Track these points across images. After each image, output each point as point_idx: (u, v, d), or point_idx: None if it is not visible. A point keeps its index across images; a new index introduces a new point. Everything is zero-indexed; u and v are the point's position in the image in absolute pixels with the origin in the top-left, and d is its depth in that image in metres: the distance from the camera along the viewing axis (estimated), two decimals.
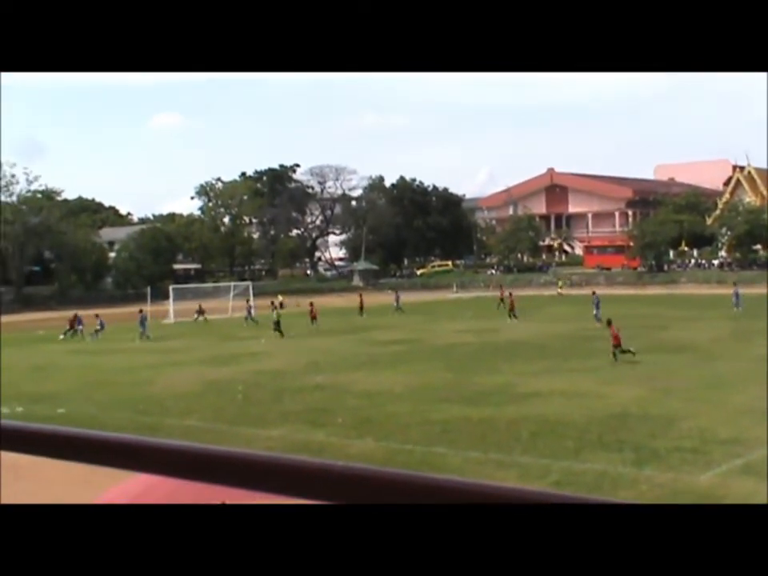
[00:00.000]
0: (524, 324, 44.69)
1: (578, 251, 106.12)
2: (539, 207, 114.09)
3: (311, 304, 51.72)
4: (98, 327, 47.53)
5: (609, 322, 30.97)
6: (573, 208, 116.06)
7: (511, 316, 48.21)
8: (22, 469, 15.14)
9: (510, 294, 51.99)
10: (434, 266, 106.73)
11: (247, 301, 57.84)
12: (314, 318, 49.46)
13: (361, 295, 59.89)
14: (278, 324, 44.79)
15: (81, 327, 48.25)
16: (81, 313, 50.43)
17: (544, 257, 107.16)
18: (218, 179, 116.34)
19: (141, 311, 47.27)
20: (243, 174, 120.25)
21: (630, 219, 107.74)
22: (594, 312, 44.57)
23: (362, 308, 57.21)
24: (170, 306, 61.36)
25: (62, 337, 46.78)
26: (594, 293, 47.86)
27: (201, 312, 58.18)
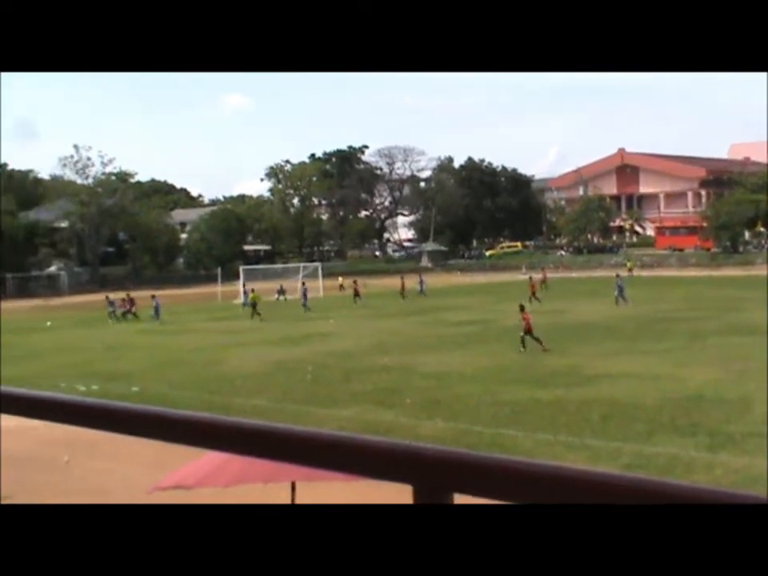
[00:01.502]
0: (593, 305, 44.25)
1: (650, 232, 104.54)
2: (610, 188, 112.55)
3: (354, 282, 54.92)
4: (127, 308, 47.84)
5: (522, 308, 30.28)
6: (644, 188, 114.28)
7: (532, 300, 47.15)
8: (98, 446, 15.43)
9: (531, 278, 51.46)
10: (502, 247, 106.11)
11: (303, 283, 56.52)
12: (357, 295, 52.88)
13: (402, 277, 59.26)
14: (254, 306, 45.81)
15: (112, 309, 49.15)
16: (145, 294, 51.07)
17: (614, 238, 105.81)
18: (287, 161, 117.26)
19: (153, 296, 47.44)
20: (312, 155, 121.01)
21: (704, 200, 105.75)
22: (616, 294, 44.19)
23: (403, 291, 56.50)
24: (241, 286, 62.08)
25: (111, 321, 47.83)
26: (617, 275, 47.19)
27: (282, 292, 58.72)
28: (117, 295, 52.00)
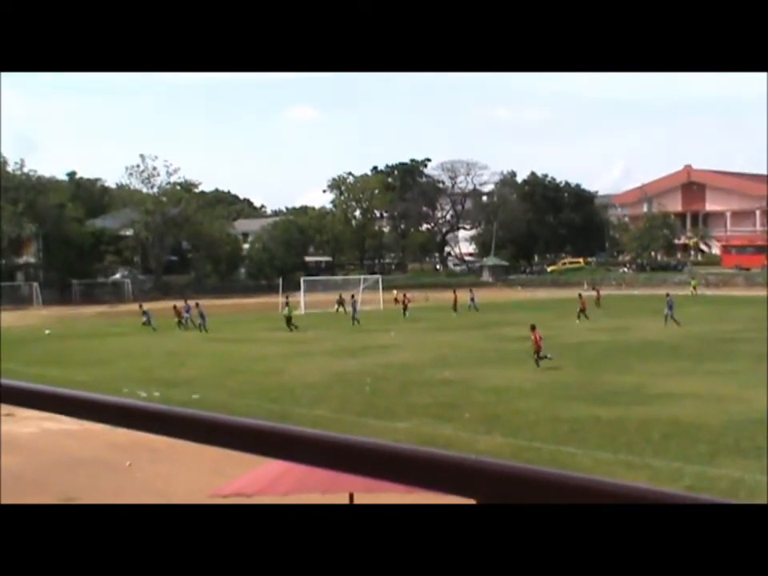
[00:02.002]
0: (657, 324, 43.68)
1: (716, 251, 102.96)
2: (675, 205, 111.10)
3: (404, 296, 56.71)
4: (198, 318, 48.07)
5: (532, 327, 30.01)
6: (710, 206, 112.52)
7: (581, 317, 47.47)
8: (159, 451, 15.61)
9: (580, 295, 51.15)
10: (564, 263, 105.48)
11: (352, 296, 55.93)
12: (405, 309, 54.46)
13: (455, 290, 58.96)
14: (289, 320, 46.25)
15: (187, 316, 49.75)
16: (210, 302, 51.65)
17: (679, 255, 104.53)
18: (350, 173, 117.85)
19: (197, 305, 48.58)
20: (374, 168, 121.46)
21: None
22: (666, 312, 43.86)
23: (455, 305, 55.88)
24: (301, 297, 62.41)
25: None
26: (667, 294, 46.76)
27: (341, 303, 58.80)
28: (150, 306, 52.62)
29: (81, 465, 16.98)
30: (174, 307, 50.96)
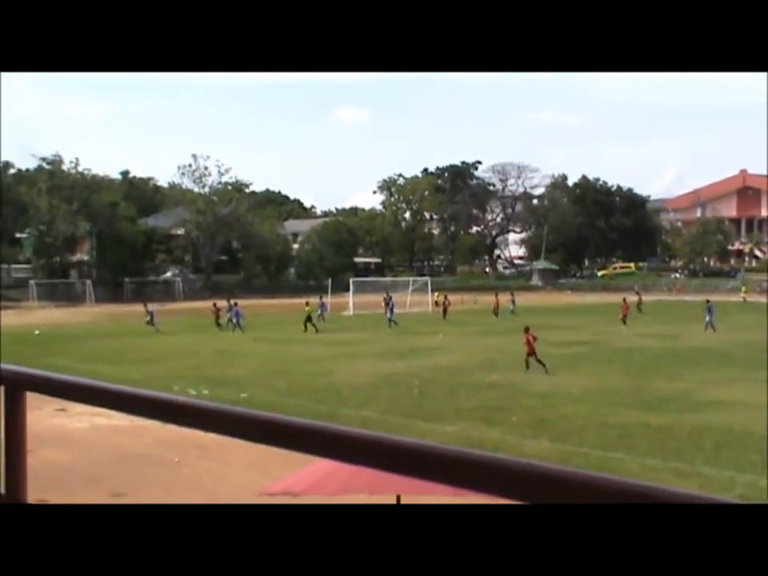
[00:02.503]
0: (706, 331, 43.17)
1: None
2: (729, 210, 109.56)
3: (446, 298, 57.08)
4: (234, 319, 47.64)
5: (526, 330, 29.77)
6: (767, 211, 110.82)
7: (624, 322, 47.51)
8: (206, 447, 15.71)
9: (624, 300, 50.87)
10: (615, 268, 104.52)
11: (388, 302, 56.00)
12: (445, 312, 54.50)
13: (497, 294, 59.11)
14: (308, 319, 46.41)
15: (229, 315, 49.26)
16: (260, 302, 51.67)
17: (732, 262, 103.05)
18: (400, 175, 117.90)
19: (236, 304, 48.48)
20: (425, 170, 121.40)
21: None
22: (707, 318, 44.04)
23: (496, 309, 56.09)
24: (350, 298, 62.48)
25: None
26: (708, 301, 46.52)
27: (388, 303, 58.70)
28: (199, 305, 52.84)
29: (130, 460, 17.18)
30: (214, 305, 51.09)
